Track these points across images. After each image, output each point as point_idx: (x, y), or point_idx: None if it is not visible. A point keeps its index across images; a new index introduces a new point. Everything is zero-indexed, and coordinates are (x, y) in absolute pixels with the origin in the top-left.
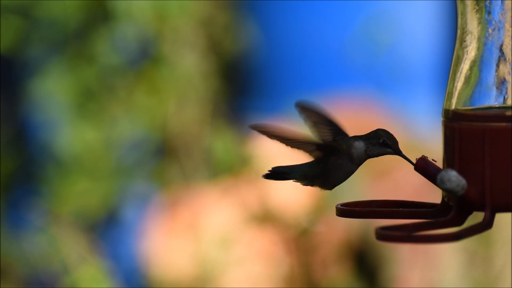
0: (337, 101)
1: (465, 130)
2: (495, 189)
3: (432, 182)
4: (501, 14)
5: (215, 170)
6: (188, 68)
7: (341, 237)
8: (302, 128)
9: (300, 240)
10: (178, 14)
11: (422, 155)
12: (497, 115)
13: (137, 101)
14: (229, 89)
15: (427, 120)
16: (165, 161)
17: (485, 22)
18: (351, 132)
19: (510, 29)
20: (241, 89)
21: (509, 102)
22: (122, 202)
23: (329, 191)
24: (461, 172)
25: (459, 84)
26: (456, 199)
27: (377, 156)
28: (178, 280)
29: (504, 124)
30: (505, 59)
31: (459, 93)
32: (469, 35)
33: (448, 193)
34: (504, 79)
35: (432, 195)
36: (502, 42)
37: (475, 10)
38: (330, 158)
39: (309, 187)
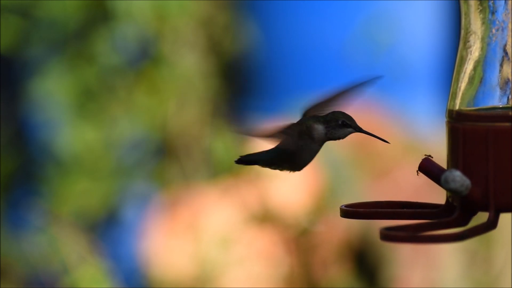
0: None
1: (469, 131)
2: (499, 189)
3: (436, 182)
4: (505, 14)
5: (215, 170)
6: (188, 68)
7: (341, 237)
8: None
9: (300, 240)
10: (178, 14)
11: (426, 155)
12: (501, 115)
13: (137, 101)
14: (229, 89)
15: (427, 120)
16: (165, 161)
17: (488, 22)
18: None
19: None
20: (241, 89)
21: None
22: (122, 202)
23: (327, 184)
24: (465, 172)
25: (463, 84)
26: (460, 199)
27: (339, 138)
28: (178, 280)
29: (508, 124)
30: (508, 59)
31: (463, 94)
32: (473, 35)
33: (452, 193)
34: (508, 79)
35: (432, 195)
36: (506, 42)
37: (478, 10)
38: (296, 142)
39: (308, 187)
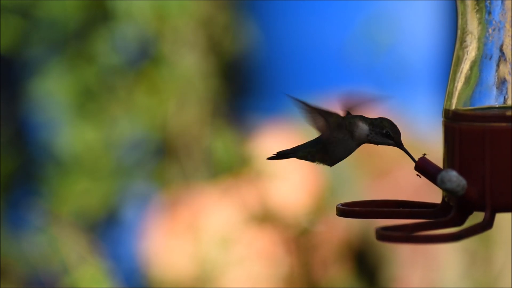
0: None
1: (465, 130)
2: (495, 189)
3: (432, 182)
4: (501, 14)
5: (215, 170)
6: (188, 68)
7: (341, 237)
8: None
9: (300, 240)
10: (178, 14)
11: (423, 154)
12: (497, 115)
13: (137, 101)
14: (229, 89)
15: (427, 120)
16: (165, 161)
17: (485, 22)
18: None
19: (511, 29)
20: (241, 89)
21: (509, 102)
22: (122, 202)
23: (328, 182)
24: (461, 172)
25: (460, 84)
26: (457, 199)
27: (377, 144)
28: (178, 280)
29: (504, 124)
30: (505, 59)
31: (459, 93)
32: (470, 35)
33: (448, 193)
34: (505, 79)
35: (432, 195)
36: (503, 42)
37: (475, 10)
38: (333, 133)
39: (308, 187)
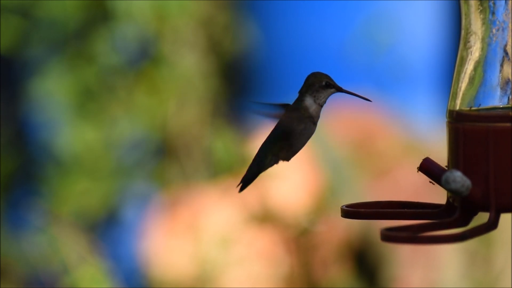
0: (337, 101)
1: (469, 131)
2: (499, 189)
3: (436, 182)
4: (505, 15)
5: (215, 170)
6: (188, 68)
7: (341, 237)
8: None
9: (300, 240)
10: (178, 14)
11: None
12: (501, 115)
13: (137, 101)
14: (229, 89)
15: (427, 120)
16: (165, 161)
17: (489, 23)
18: (350, 134)
19: None
20: (241, 89)
21: None
22: (122, 202)
23: (327, 183)
24: (465, 172)
25: (463, 84)
26: (461, 199)
27: (324, 101)
28: (178, 280)
29: (508, 124)
30: (509, 60)
31: (463, 94)
32: (473, 36)
33: (452, 193)
34: (509, 79)
35: (433, 195)
36: (506, 42)
37: (479, 10)
38: (294, 127)
39: (308, 187)
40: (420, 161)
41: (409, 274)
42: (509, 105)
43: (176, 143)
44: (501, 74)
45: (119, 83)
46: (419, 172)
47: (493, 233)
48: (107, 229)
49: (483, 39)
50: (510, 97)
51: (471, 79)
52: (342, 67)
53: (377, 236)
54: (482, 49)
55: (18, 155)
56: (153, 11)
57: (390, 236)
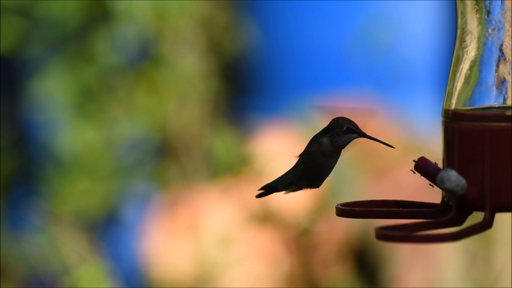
0: (337, 101)
1: (464, 130)
2: (494, 189)
3: (432, 182)
4: (501, 14)
5: (215, 170)
6: (188, 68)
7: (341, 237)
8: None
9: (300, 240)
10: (178, 14)
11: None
12: (496, 115)
13: (137, 101)
14: (229, 89)
15: (427, 120)
16: (165, 161)
17: (485, 22)
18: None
19: (510, 29)
20: (241, 89)
21: (509, 102)
22: (122, 202)
23: (326, 184)
24: (460, 172)
25: (459, 84)
26: (456, 199)
27: (345, 144)
28: (178, 280)
29: (503, 124)
30: (505, 59)
31: (459, 93)
32: (469, 35)
33: (448, 193)
34: (504, 79)
35: (432, 195)
36: (502, 42)
37: (475, 10)
38: (310, 161)
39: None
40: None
41: (409, 274)
42: (505, 105)
43: (176, 143)
44: (496, 74)
45: (119, 83)
46: (415, 171)
47: (493, 233)
48: (107, 229)
49: (479, 39)
50: (506, 96)
51: (467, 79)
52: (342, 67)
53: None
54: (478, 48)
55: (18, 155)
56: (153, 11)
57: (385, 234)
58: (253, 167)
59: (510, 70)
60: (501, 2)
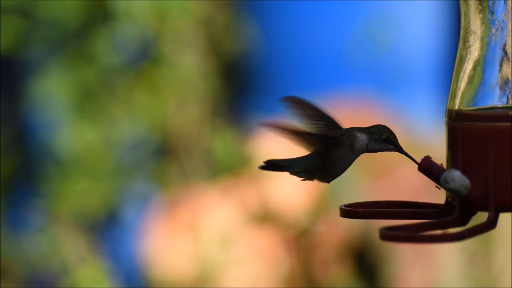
0: (337, 101)
1: (468, 130)
2: (498, 189)
3: (435, 182)
4: (504, 14)
5: (215, 170)
6: (188, 68)
7: (341, 237)
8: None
9: (300, 240)
10: (178, 14)
11: (426, 156)
12: (500, 115)
13: (137, 101)
14: (229, 89)
15: (427, 120)
16: (165, 161)
17: (488, 22)
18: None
19: None
20: (241, 89)
21: None
22: (122, 202)
23: (328, 184)
24: (464, 172)
25: (463, 84)
26: (460, 199)
27: (377, 151)
28: (178, 280)
29: (507, 124)
30: (508, 59)
31: (462, 93)
32: (472, 35)
33: (451, 193)
34: (508, 79)
35: (433, 195)
36: (505, 42)
37: (478, 10)
38: (331, 150)
39: (308, 187)
40: (420, 160)
41: (409, 274)
42: (508, 105)
43: (176, 143)
44: (500, 74)
45: (119, 83)
46: (419, 171)
47: (493, 233)
48: (107, 229)
49: (482, 39)
50: (509, 96)
51: (470, 79)
52: (342, 67)
53: (377, 236)
54: (481, 48)
55: (18, 155)
56: (153, 11)
57: (388, 235)
58: (253, 167)
59: None
60: (505, 2)
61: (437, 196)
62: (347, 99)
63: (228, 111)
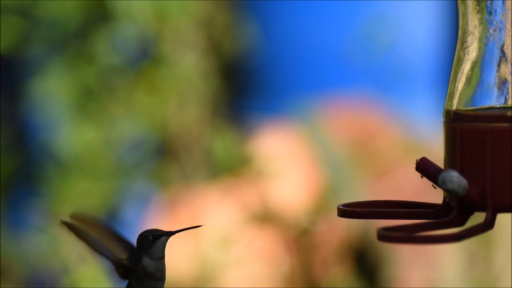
0: (337, 102)
1: (466, 131)
2: (496, 189)
3: (433, 182)
4: (502, 15)
5: (215, 170)
6: (188, 68)
7: (341, 237)
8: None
9: (300, 240)
10: (178, 14)
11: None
12: (498, 115)
13: (137, 101)
14: (229, 89)
15: (427, 120)
16: (165, 161)
17: (486, 23)
18: (350, 134)
19: (511, 29)
20: (241, 89)
21: (510, 103)
22: (122, 202)
23: (327, 184)
24: (462, 172)
25: (460, 84)
26: (458, 199)
27: (162, 251)
28: (178, 280)
29: (505, 124)
30: (506, 60)
31: (460, 94)
32: (470, 36)
33: (449, 193)
34: (506, 79)
35: (432, 195)
36: (504, 42)
37: (476, 10)
38: (132, 283)
39: (308, 187)
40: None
41: (409, 274)
42: (506, 105)
43: (176, 143)
44: (498, 74)
45: (119, 83)
46: (416, 171)
47: (493, 233)
48: None
49: (480, 39)
50: (507, 97)
51: (468, 79)
52: (341, 67)
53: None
54: (479, 49)
55: (18, 155)
56: (153, 11)
57: (386, 235)
58: (253, 167)
59: (511, 71)
60: (503, 2)
61: (437, 196)
62: (347, 99)
63: (228, 111)
